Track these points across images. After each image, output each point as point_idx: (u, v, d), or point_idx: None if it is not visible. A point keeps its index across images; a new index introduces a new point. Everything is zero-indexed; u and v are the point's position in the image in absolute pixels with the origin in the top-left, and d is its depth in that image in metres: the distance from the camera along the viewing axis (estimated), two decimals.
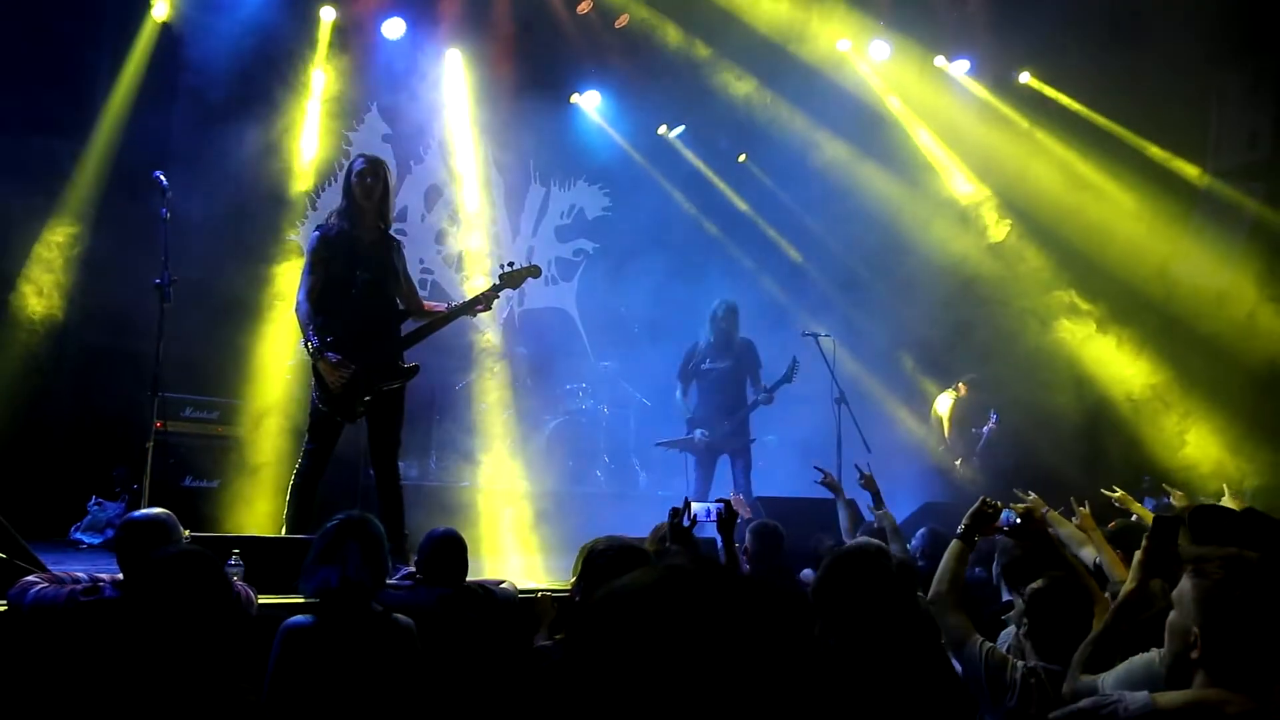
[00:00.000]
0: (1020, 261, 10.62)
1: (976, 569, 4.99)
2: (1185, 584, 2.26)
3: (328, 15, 9.12)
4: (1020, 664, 3.26)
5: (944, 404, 10.08)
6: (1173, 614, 2.29)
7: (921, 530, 5.80)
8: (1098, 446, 9.73)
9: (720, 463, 8.29)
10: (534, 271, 6.21)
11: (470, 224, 10.26)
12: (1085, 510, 4.58)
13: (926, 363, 10.67)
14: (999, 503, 3.77)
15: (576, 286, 11.51)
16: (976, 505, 3.70)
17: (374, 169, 5.77)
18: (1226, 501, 5.64)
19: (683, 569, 1.19)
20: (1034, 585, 3.41)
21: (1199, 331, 9.55)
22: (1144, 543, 3.11)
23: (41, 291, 7.59)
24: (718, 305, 8.50)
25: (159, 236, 5.60)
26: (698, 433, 8.31)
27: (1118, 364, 10.18)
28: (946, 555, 3.57)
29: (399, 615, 3.53)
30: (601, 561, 3.18)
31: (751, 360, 8.42)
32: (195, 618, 2.48)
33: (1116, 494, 5.66)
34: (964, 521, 3.65)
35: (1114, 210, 10.22)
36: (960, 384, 10.04)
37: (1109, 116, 10.40)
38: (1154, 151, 10.33)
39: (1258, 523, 2.97)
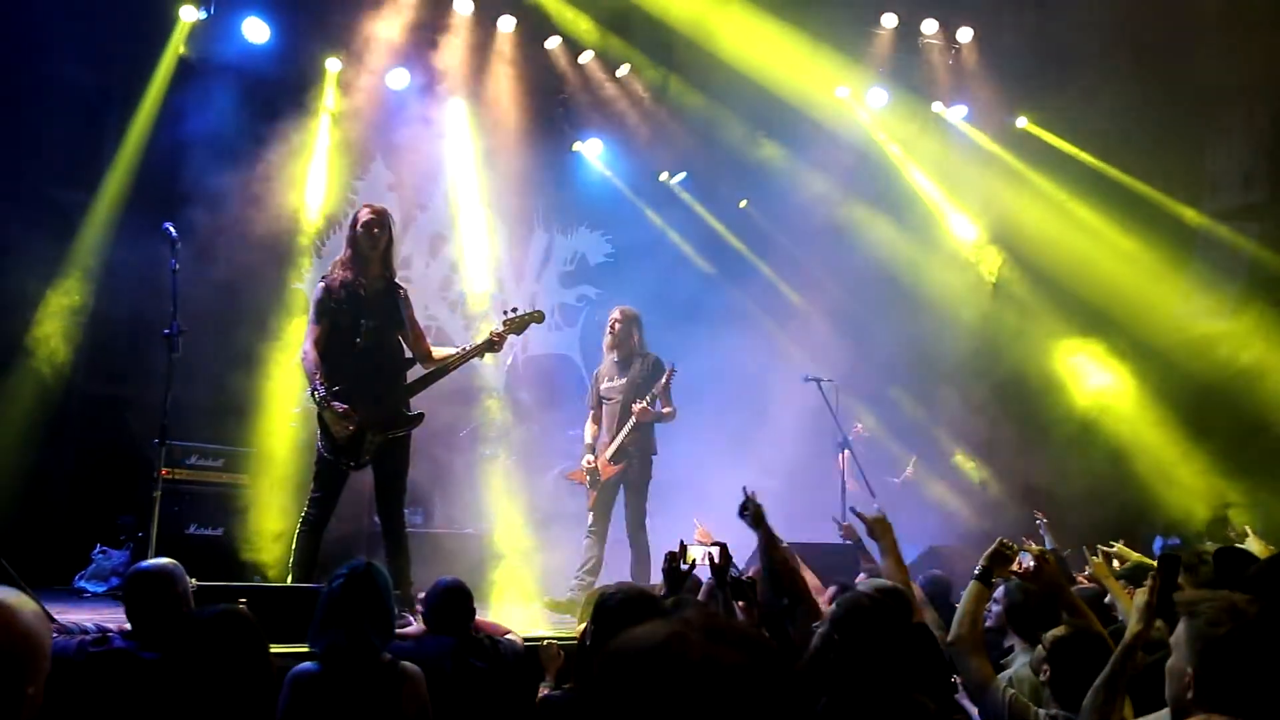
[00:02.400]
0: (1019, 304, 10.67)
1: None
2: (1180, 628, 2.36)
3: (333, 66, 9.27)
4: (1041, 712, 3.21)
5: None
6: (1171, 657, 2.36)
7: (920, 576, 5.77)
8: (1098, 486, 9.70)
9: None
10: (537, 317, 6.25)
11: (474, 271, 10.34)
12: (1099, 560, 4.50)
13: (927, 407, 10.67)
14: (1016, 544, 3.72)
15: (580, 332, 11.56)
16: (994, 546, 3.63)
17: (378, 219, 5.83)
18: (1250, 543, 5.58)
19: (692, 623, 1.21)
20: (1056, 633, 3.37)
21: (1197, 373, 9.57)
22: (1147, 583, 3.11)
23: (49, 340, 7.65)
24: (613, 314, 7.48)
25: (168, 286, 5.65)
26: (584, 459, 7.46)
27: (1117, 405, 10.18)
28: (965, 597, 3.51)
29: (407, 663, 3.53)
30: (612, 604, 3.18)
31: (646, 378, 7.25)
32: (235, 679, 2.48)
33: (1115, 547, 5.52)
34: (981, 562, 3.59)
35: (1112, 252, 10.26)
36: (858, 424, 10.13)
37: (1105, 160, 10.47)
38: (1151, 194, 10.38)
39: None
